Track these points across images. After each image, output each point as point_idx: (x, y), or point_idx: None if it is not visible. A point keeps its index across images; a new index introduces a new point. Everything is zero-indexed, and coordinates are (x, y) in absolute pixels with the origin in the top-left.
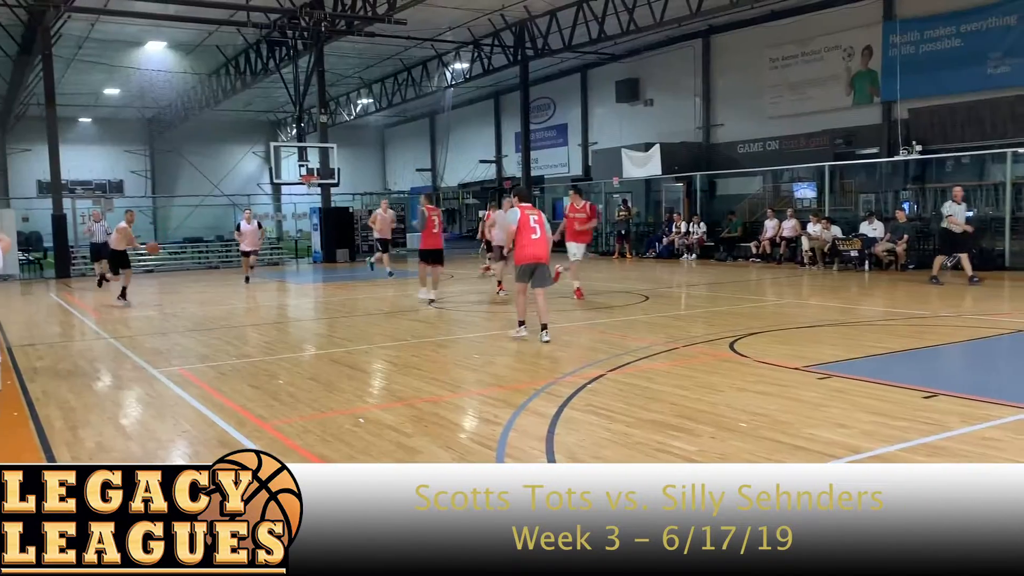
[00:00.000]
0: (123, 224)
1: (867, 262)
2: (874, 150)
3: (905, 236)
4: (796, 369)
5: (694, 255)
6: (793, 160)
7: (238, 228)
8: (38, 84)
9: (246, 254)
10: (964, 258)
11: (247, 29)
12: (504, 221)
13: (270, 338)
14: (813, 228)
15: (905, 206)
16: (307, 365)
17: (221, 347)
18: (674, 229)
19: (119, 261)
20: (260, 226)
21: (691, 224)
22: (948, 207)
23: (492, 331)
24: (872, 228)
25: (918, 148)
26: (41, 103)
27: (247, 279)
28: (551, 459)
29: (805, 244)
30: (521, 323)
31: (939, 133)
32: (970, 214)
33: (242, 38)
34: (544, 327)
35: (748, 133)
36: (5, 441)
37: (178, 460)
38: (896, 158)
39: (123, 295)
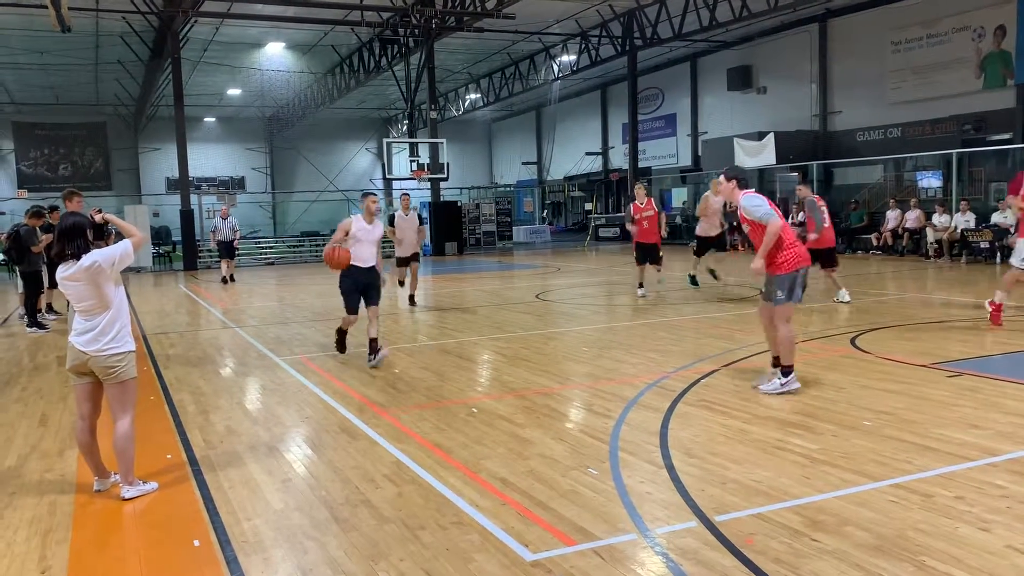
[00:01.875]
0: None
1: (999, 254)
2: (1007, 135)
3: None
4: (923, 366)
5: None
6: (917, 148)
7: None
8: (167, 86)
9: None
10: None
11: (361, 28)
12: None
13: (385, 328)
14: (939, 219)
15: None
16: (420, 355)
17: None
18: (790, 220)
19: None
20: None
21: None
22: None
23: (599, 324)
24: (1004, 217)
25: None
26: (170, 104)
27: None
28: (665, 454)
29: (931, 236)
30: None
31: None
32: None
33: (356, 37)
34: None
35: (868, 120)
36: (143, 424)
37: (299, 444)
38: None
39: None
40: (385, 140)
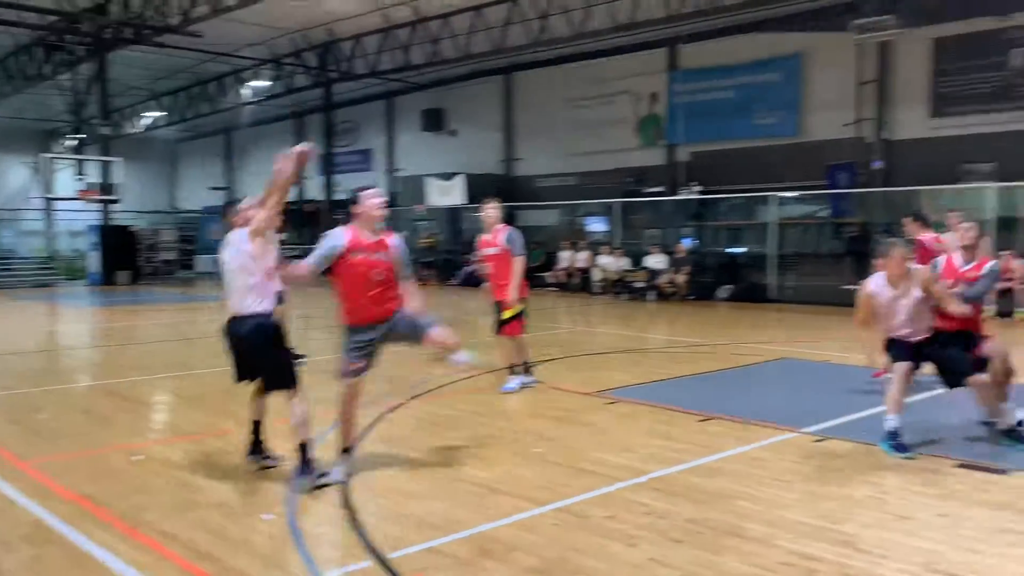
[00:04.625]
0: None
1: (652, 292)
2: (660, 188)
3: (686, 268)
4: (586, 394)
5: None
6: (588, 195)
7: None
8: None
9: None
10: None
11: (18, 29)
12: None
13: (36, 367)
14: (604, 259)
15: (686, 241)
16: (79, 397)
17: None
18: (473, 258)
19: None
20: None
21: None
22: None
23: None
24: (656, 261)
25: (698, 188)
26: None
27: None
28: (345, 494)
29: (597, 275)
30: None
31: (716, 175)
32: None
33: (11, 38)
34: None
35: (547, 168)
36: None
37: None
38: (678, 197)
39: None
40: (44, 155)
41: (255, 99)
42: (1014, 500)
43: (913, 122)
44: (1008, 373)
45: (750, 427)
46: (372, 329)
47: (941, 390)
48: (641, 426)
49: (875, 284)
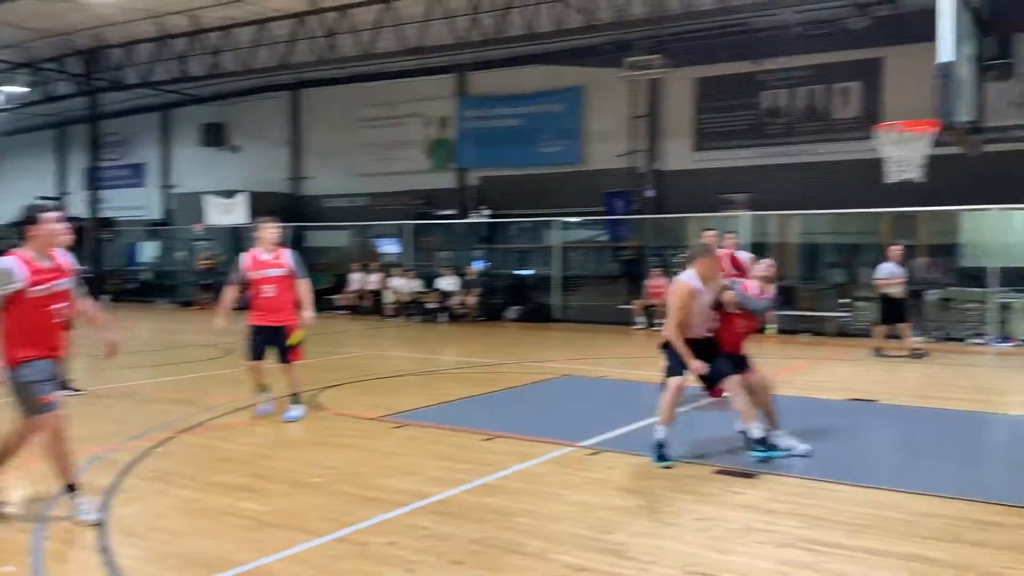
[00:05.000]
0: None
1: (444, 314)
2: (452, 211)
3: (476, 290)
4: (372, 419)
5: None
6: (380, 217)
7: None
8: None
9: None
10: (906, 327)
11: None
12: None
13: None
14: (396, 281)
15: (477, 263)
16: None
17: None
18: None
19: None
20: None
21: None
22: (884, 269)
23: None
24: (448, 283)
25: (487, 212)
26: None
27: None
28: (104, 536)
29: (389, 297)
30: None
31: (505, 199)
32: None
33: None
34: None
35: (338, 187)
36: None
37: None
38: (469, 220)
39: None
40: None
41: (9, 107)
42: (761, 502)
43: (679, 154)
44: (764, 389)
45: (530, 443)
46: (52, 361)
47: (706, 401)
48: (426, 449)
49: (694, 282)
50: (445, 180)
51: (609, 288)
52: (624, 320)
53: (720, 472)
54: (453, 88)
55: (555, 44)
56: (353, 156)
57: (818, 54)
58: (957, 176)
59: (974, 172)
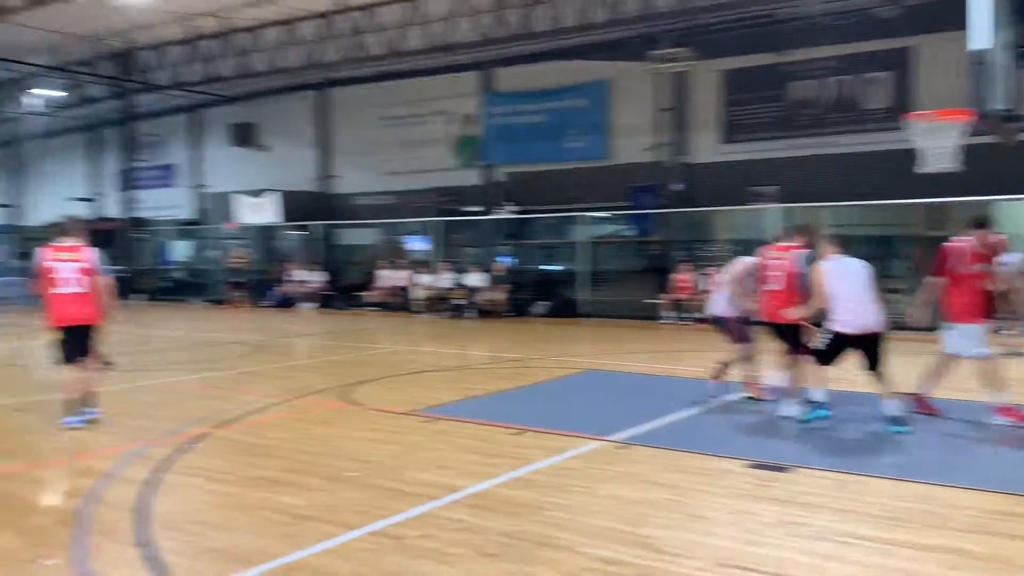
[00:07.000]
0: None
1: (472, 310)
2: (479, 208)
3: (504, 286)
4: (404, 414)
5: (317, 304)
6: (407, 214)
7: None
8: None
9: None
10: None
11: None
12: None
13: None
14: (425, 278)
15: (504, 259)
16: None
17: None
18: (287, 278)
19: None
20: None
21: (308, 273)
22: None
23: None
24: (475, 279)
25: (514, 208)
26: None
27: None
28: (144, 530)
29: (418, 293)
30: None
31: (531, 195)
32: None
33: None
34: None
35: (365, 186)
36: None
37: None
38: (496, 216)
39: None
40: None
41: (43, 110)
42: (794, 496)
43: (707, 147)
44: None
45: (560, 438)
46: None
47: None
48: (458, 443)
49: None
50: (472, 177)
51: (636, 283)
52: (651, 315)
53: (752, 466)
54: (479, 85)
55: (580, 39)
56: (380, 154)
57: (847, 44)
58: (992, 165)
59: (1010, 161)
